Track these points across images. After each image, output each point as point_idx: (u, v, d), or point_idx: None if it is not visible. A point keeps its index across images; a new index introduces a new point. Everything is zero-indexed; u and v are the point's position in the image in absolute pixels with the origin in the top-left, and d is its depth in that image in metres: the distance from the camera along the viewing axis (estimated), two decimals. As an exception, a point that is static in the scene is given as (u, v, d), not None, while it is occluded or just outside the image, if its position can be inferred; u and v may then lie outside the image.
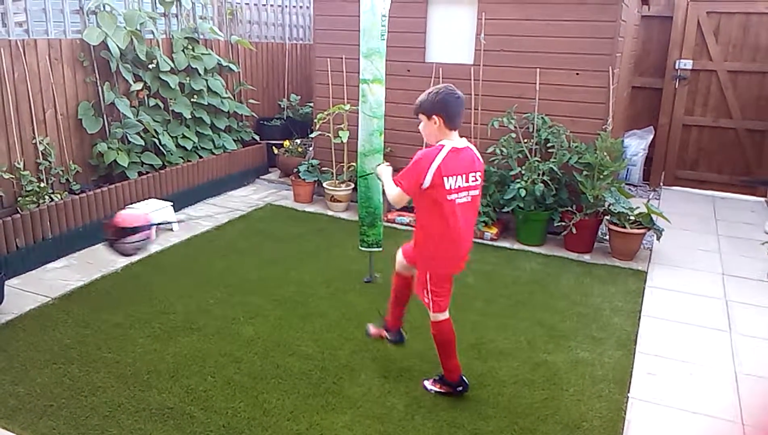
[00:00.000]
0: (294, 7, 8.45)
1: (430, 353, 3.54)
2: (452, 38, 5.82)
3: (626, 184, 7.30)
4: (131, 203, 5.40)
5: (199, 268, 4.70)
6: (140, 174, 5.68)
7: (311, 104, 7.25)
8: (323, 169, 6.53)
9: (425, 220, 2.96)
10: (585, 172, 5.17)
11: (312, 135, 6.57)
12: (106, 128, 5.61)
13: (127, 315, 3.94)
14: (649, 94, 7.55)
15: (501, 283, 4.62)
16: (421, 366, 3.43)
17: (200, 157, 6.45)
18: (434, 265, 3.01)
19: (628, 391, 3.32)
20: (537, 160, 5.32)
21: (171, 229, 5.43)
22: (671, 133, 7.42)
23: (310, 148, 6.93)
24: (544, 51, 5.42)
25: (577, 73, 5.36)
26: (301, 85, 8.51)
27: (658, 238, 5.12)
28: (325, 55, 6.34)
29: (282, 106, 8.05)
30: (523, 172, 5.34)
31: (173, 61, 6.16)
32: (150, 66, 5.93)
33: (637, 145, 7.43)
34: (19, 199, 4.82)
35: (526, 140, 5.48)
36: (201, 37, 6.61)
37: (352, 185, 6.23)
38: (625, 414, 3.13)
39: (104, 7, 5.43)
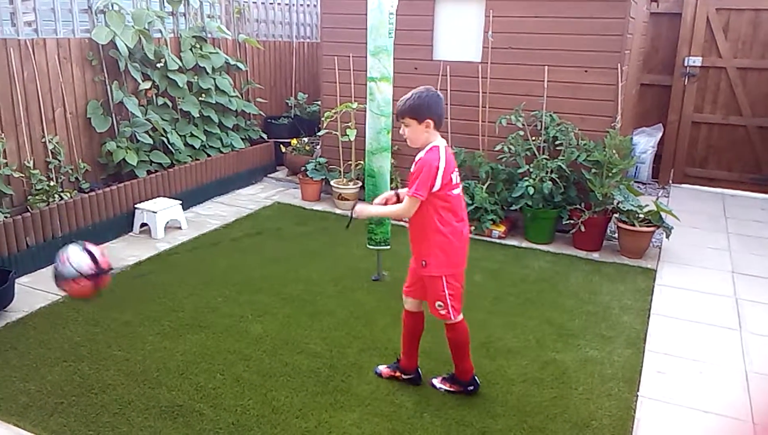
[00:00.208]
0: (301, 5, 8.46)
1: (437, 351, 3.54)
2: (460, 36, 5.81)
3: (635, 181, 7.28)
4: (140, 201, 5.43)
5: (206, 267, 4.72)
6: (149, 172, 5.71)
7: (318, 102, 7.26)
8: (331, 167, 6.54)
9: (436, 224, 2.91)
10: (594, 170, 5.15)
11: (319, 133, 6.57)
12: (115, 127, 5.63)
13: (136, 313, 3.96)
14: (658, 91, 7.51)
15: (509, 282, 4.61)
16: (429, 364, 3.43)
17: (208, 155, 6.47)
18: (453, 264, 2.97)
19: (638, 390, 3.30)
20: (545, 158, 5.30)
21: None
22: (680, 131, 7.37)
23: (318, 147, 6.94)
24: (553, 48, 5.40)
25: (586, 71, 5.34)
26: (309, 83, 8.51)
27: (668, 236, 5.10)
28: (333, 54, 6.34)
29: (289, 105, 8.06)
30: (531, 170, 5.32)
31: (181, 60, 6.18)
32: (158, 65, 5.94)
33: (646, 142, 7.39)
34: (29, 197, 4.84)
35: (534, 138, 5.46)
36: (209, 35, 6.62)
37: (360, 183, 6.23)
38: (634, 412, 3.12)
39: (113, 6, 5.45)
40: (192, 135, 6.28)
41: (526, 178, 5.29)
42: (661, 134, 7.47)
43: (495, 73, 5.66)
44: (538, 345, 3.72)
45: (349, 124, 6.13)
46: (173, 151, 6.04)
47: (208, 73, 6.46)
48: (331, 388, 3.22)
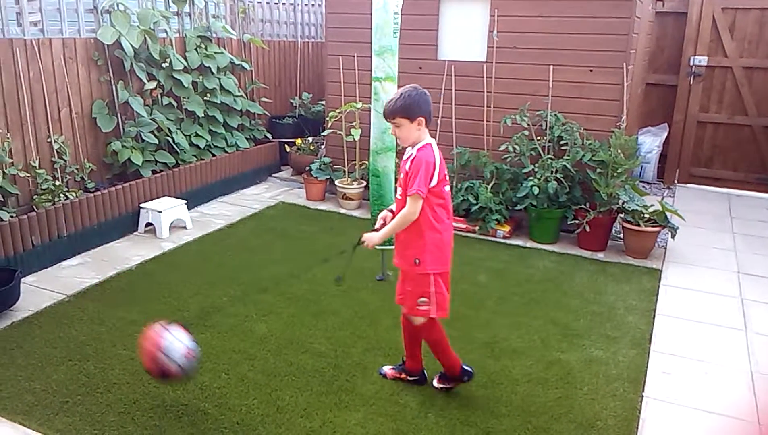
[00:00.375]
0: (306, 5, 8.46)
1: (443, 351, 3.55)
2: (465, 35, 5.80)
3: (640, 181, 7.26)
4: (145, 201, 5.44)
5: (211, 266, 4.73)
6: (154, 172, 5.72)
7: (323, 102, 7.27)
8: (335, 167, 6.54)
9: (431, 221, 2.90)
10: (599, 170, 5.14)
11: (324, 133, 6.58)
12: (120, 127, 5.65)
13: (141, 312, 3.97)
14: (664, 90, 7.49)
15: (514, 281, 4.60)
16: (434, 364, 3.42)
17: (213, 155, 6.48)
18: (441, 260, 2.97)
19: (643, 390, 3.29)
20: (550, 158, 5.29)
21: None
22: (686, 131, 7.35)
23: (322, 146, 6.94)
24: (558, 48, 5.40)
25: (591, 70, 5.33)
26: (313, 83, 8.52)
27: (673, 236, 5.08)
28: (337, 53, 6.34)
29: (294, 105, 8.07)
30: (536, 169, 5.31)
31: (186, 60, 6.19)
32: (163, 65, 5.96)
33: (651, 142, 7.37)
34: (35, 197, 4.86)
35: (539, 138, 5.45)
36: (214, 35, 6.63)
37: (364, 183, 6.24)
38: (639, 413, 3.11)
39: (118, 6, 5.46)
40: (197, 135, 6.29)
41: (530, 178, 5.28)
42: (666, 134, 7.45)
43: (500, 73, 5.65)
44: (542, 345, 3.71)
45: (354, 123, 6.13)
46: (178, 151, 6.05)
47: (213, 73, 6.47)
48: (335, 388, 3.22)
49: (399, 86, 4.19)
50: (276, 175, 7.36)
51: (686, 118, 7.32)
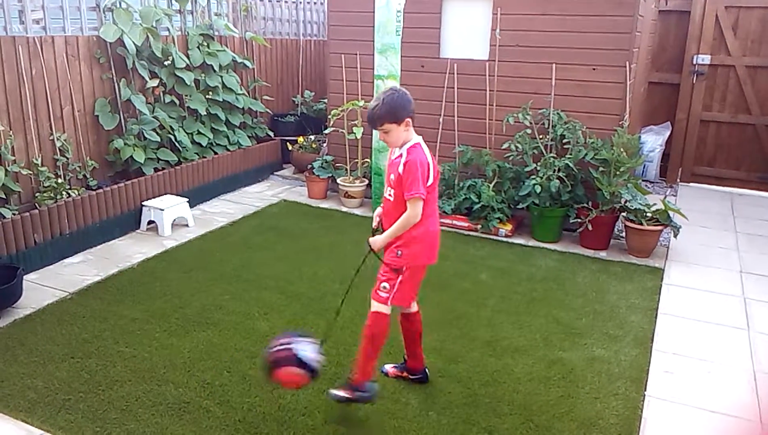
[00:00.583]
0: (308, 3, 8.45)
1: (445, 349, 3.55)
2: (467, 34, 5.79)
3: (643, 180, 7.26)
4: (147, 199, 5.44)
5: (214, 264, 4.73)
6: (156, 170, 5.72)
7: (325, 100, 7.26)
8: (337, 165, 6.54)
9: (424, 214, 2.89)
10: (601, 169, 5.13)
11: (326, 131, 6.57)
12: (123, 125, 5.65)
13: (143, 310, 3.97)
14: (667, 89, 7.47)
15: (516, 280, 4.60)
16: (436, 362, 3.43)
17: (215, 153, 6.48)
18: (426, 253, 2.95)
19: (645, 389, 3.29)
20: (552, 157, 5.29)
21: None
22: (689, 129, 7.33)
23: (324, 145, 6.94)
24: (560, 46, 5.38)
25: (594, 69, 5.31)
26: (315, 81, 8.51)
27: (676, 235, 5.07)
28: (340, 51, 6.33)
29: (296, 103, 8.06)
30: (538, 168, 5.31)
31: (188, 58, 6.19)
32: (165, 63, 5.96)
33: (654, 141, 7.36)
34: (37, 194, 4.87)
35: (541, 136, 5.44)
36: (216, 33, 6.63)
37: (366, 181, 6.23)
38: (641, 412, 3.10)
39: (120, 4, 5.46)
40: (199, 132, 6.29)
41: (533, 177, 5.27)
42: (669, 133, 7.43)
43: (502, 71, 5.64)
44: (544, 344, 3.71)
45: (356, 122, 6.13)
46: (180, 149, 6.06)
47: (215, 71, 6.47)
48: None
49: (401, 84, 4.21)
50: (278, 173, 7.36)
51: (689, 116, 7.30)
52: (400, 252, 2.93)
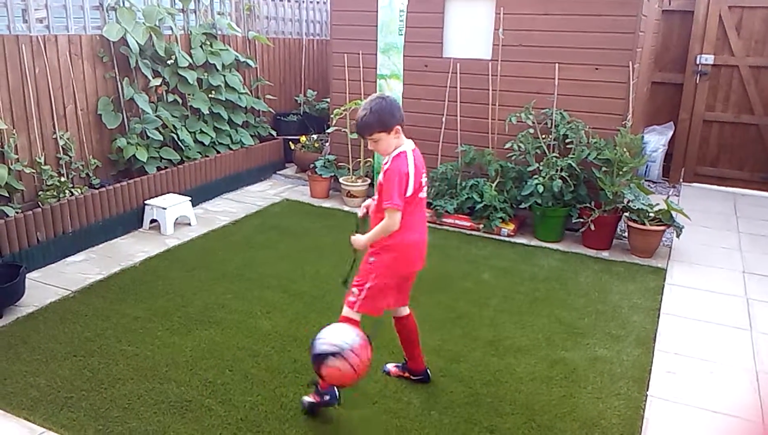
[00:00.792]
0: (311, 2, 8.46)
1: (447, 348, 3.55)
2: (470, 33, 5.79)
3: (645, 180, 7.24)
4: (150, 198, 5.45)
5: (216, 263, 4.73)
6: (159, 169, 5.73)
7: (328, 100, 7.26)
8: (340, 164, 6.54)
9: (401, 225, 2.81)
10: (604, 169, 5.12)
11: (328, 130, 6.57)
12: (126, 123, 5.66)
13: (146, 308, 3.98)
14: (670, 89, 7.46)
15: (518, 280, 4.59)
16: (438, 362, 3.43)
17: (218, 152, 6.48)
18: (394, 266, 2.89)
19: (647, 390, 3.29)
20: (555, 156, 5.28)
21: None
22: (691, 129, 7.32)
23: (327, 144, 6.94)
24: (563, 46, 5.37)
25: (597, 69, 5.31)
26: (318, 80, 8.52)
27: (678, 235, 5.06)
28: (342, 51, 6.33)
29: (299, 102, 8.07)
30: (541, 168, 5.30)
31: (191, 57, 6.20)
32: (168, 62, 5.96)
33: (656, 141, 7.35)
34: (40, 193, 4.88)
35: (544, 136, 5.44)
36: (219, 32, 6.64)
37: (369, 181, 6.24)
38: (643, 412, 3.10)
39: (123, 3, 5.47)
40: (202, 132, 6.30)
41: (535, 176, 5.27)
42: (672, 133, 7.42)
43: (505, 71, 5.64)
44: (547, 343, 3.70)
45: (359, 121, 6.11)
46: (183, 148, 6.06)
47: (218, 70, 6.47)
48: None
49: (404, 84, 4.20)
50: (280, 172, 7.36)
51: (692, 116, 7.29)
52: (372, 259, 2.91)
